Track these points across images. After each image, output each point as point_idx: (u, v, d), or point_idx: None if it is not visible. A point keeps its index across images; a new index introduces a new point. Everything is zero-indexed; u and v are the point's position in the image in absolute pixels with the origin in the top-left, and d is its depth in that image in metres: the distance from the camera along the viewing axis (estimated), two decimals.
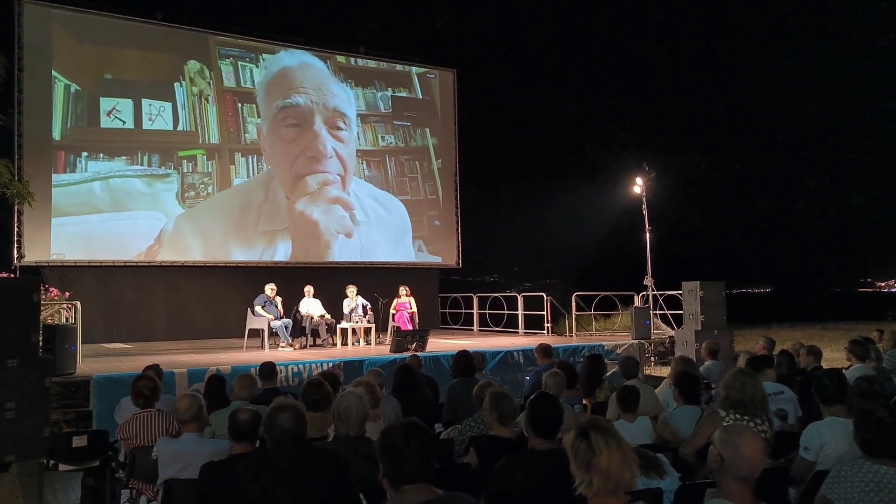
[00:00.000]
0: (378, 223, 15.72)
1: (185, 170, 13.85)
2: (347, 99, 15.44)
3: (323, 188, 14.71)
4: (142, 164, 13.44)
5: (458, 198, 17.12)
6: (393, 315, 12.40)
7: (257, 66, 14.94)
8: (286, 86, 14.78)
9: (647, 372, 10.71)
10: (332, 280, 13.29)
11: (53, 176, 12.62)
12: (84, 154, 12.96)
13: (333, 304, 11.88)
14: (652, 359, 12.12)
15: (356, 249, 15.36)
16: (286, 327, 10.96)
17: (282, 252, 14.46)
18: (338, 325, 11.33)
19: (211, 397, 5.32)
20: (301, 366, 8.89)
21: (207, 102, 14.26)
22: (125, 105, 13.43)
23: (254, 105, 14.66)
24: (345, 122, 15.16)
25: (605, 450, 2.09)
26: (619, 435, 2.17)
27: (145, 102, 13.62)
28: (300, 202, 14.58)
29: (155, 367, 5.79)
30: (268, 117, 14.59)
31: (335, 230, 14.89)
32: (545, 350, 7.10)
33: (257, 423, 3.51)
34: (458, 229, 17.04)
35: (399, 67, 16.82)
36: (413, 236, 16.36)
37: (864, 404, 3.09)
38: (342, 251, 15.14)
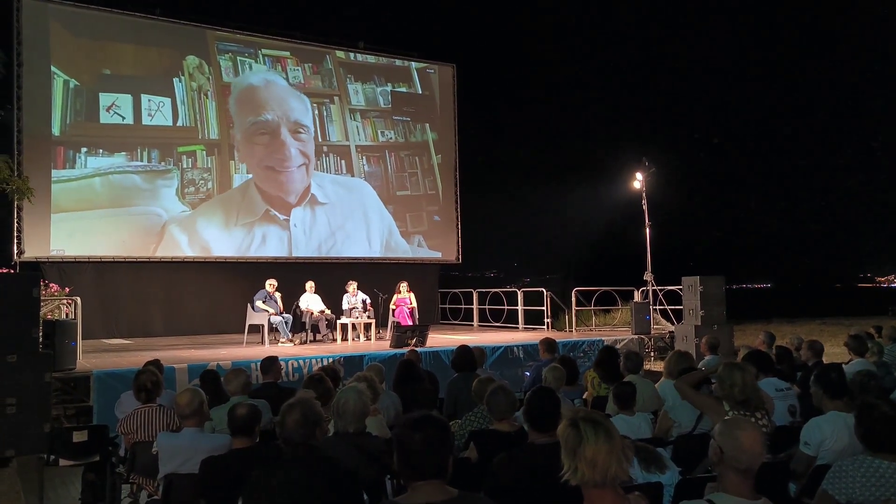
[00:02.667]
0: (341, 204, 15.60)
1: (184, 165, 13.84)
2: (304, 108, 15.48)
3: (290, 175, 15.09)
4: (141, 160, 13.43)
5: (458, 193, 17.11)
6: (393, 310, 12.40)
7: (256, 61, 14.94)
8: (255, 104, 14.87)
9: (647, 367, 10.70)
10: (331, 275, 13.28)
11: (53, 172, 12.60)
12: (83, 150, 12.94)
13: (333, 299, 11.88)
14: (651, 354, 12.13)
15: (325, 229, 15.25)
16: (286, 323, 10.97)
17: (259, 237, 14.43)
18: (338, 321, 11.34)
19: (206, 393, 5.31)
20: (301, 361, 8.90)
21: (207, 98, 14.24)
22: (124, 100, 13.41)
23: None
24: (303, 129, 15.38)
25: (592, 439, 2.11)
26: (612, 429, 2.17)
27: (144, 98, 13.60)
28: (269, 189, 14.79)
29: (156, 363, 5.78)
30: (240, 127, 14.63)
31: (300, 208, 15.04)
32: (549, 345, 7.04)
33: (256, 418, 3.52)
34: (457, 225, 17.03)
35: (398, 62, 16.79)
36: (413, 231, 16.36)
37: (865, 399, 3.10)
38: (312, 231, 15.08)
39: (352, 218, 15.78)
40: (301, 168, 15.24)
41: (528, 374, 7.51)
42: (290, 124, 15.22)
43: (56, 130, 12.75)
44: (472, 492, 2.34)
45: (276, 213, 14.75)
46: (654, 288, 13.75)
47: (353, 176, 15.79)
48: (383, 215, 16.16)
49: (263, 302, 11.02)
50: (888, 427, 2.82)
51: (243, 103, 14.81)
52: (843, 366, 5.71)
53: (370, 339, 11.41)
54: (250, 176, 14.57)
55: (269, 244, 14.58)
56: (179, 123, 13.91)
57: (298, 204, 15.12)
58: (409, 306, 12.41)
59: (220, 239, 14.07)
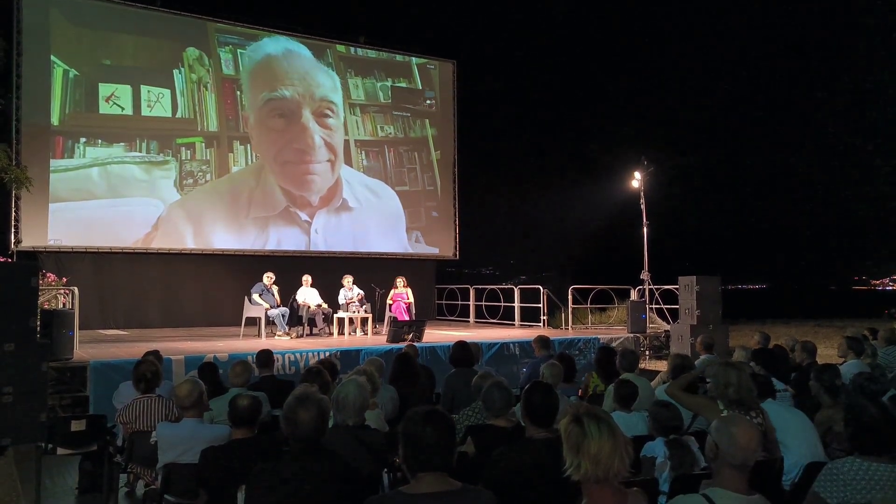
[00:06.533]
0: (370, 210, 15.69)
1: (183, 157, 13.82)
2: (333, 86, 15.31)
3: (312, 177, 14.78)
4: (140, 151, 13.41)
5: (457, 189, 17.12)
6: (389, 305, 12.43)
7: None
8: (271, 77, 14.65)
9: (643, 366, 10.74)
10: (328, 269, 13.28)
11: (51, 161, 12.58)
12: (82, 140, 12.92)
13: (330, 293, 11.89)
14: (647, 353, 12.17)
15: (349, 237, 15.33)
16: (283, 316, 10.98)
17: (274, 239, 14.44)
18: (335, 315, 11.35)
19: (205, 384, 5.34)
20: (298, 354, 8.92)
21: (206, 90, 14.22)
22: (124, 91, 13.38)
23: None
24: (332, 111, 15.07)
25: (596, 435, 2.13)
26: (615, 426, 2.20)
27: (144, 89, 13.57)
28: (289, 187, 14.59)
29: (155, 353, 5.80)
30: (254, 107, 14.50)
31: (325, 210, 14.91)
32: (543, 342, 7.10)
33: (257, 409, 3.55)
34: (455, 221, 17.05)
35: (399, 58, 16.78)
36: (410, 227, 16.36)
37: (853, 400, 3.11)
38: (334, 238, 15.10)
39: (377, 229, 15.68)
40: (326, 164, 14.86)
41: (524, 370, 7.54)
42: (315, 104, 14.69)
43: (55, 120, 12.73)
44: (486, 490, 2.38)
45: (297, 212, 14.60)
46: (651, 287, 13.79)
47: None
48: (401, 222, 16.07)
49: (260, 295, 11.03)
50: (877, 429, 2.83)
51: (257, 78, 14.43)
52: (839, 367, 5.73)
53: (367, 334, 11.43)
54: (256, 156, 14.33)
55: (284, 248, 14.51)
56: (179, 115, 13.88)
57: (323, 206, 14.92)
58: (406, 301, 12.44)
59: (227, 232, 14.01)
